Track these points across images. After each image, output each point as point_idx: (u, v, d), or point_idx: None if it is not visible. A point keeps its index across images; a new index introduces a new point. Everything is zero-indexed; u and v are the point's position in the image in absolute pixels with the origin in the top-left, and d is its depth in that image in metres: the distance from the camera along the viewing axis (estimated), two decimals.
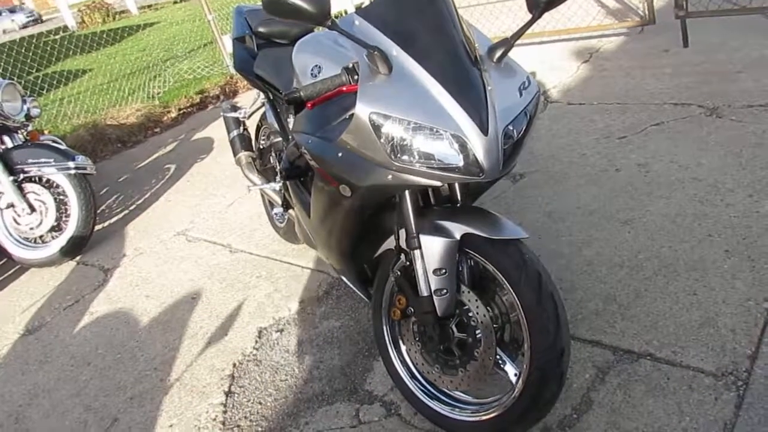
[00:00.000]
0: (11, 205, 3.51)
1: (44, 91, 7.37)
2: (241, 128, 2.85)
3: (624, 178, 2.79)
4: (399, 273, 1.67)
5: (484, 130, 1.35)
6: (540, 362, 1.47)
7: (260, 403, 2.08)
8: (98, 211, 3.90)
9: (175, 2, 23.11)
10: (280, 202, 2.54)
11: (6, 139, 3.60)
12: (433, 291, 1.55)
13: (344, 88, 1.51)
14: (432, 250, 1.52)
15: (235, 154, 2.81)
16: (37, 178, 3.52)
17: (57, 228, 3.52)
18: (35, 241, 3.57)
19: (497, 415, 1.61)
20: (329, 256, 2.01)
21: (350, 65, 1.52)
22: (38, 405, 2.38)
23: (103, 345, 2.65)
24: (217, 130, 5.23)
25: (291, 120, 2.33)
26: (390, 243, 1.70)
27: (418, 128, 1.37)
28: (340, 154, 1.49)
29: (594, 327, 1.99)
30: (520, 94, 1.48)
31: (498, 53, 1.50)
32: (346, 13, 6.13)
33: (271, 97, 2.56)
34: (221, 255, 3.14)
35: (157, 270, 3.18)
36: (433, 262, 1.52)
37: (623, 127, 3.27)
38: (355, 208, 1.64)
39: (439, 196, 1.64)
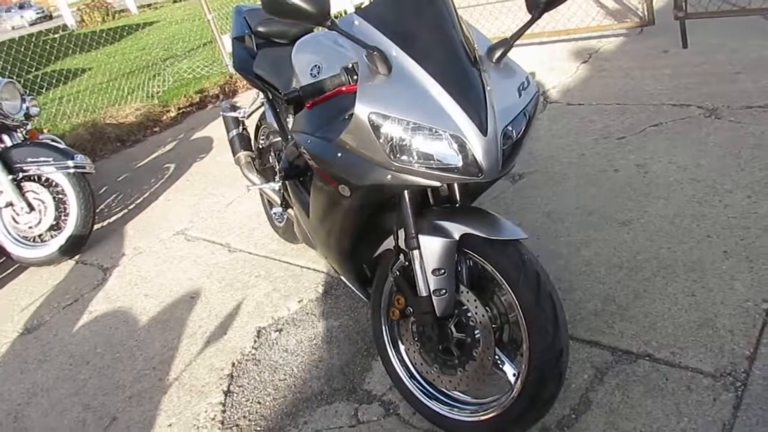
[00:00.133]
0: (10, 204, 3.51)
1: (43, 90, 7.35)
2: (241, 128, 2.85)
3: (623, 179, 2.79)
4: (398, 273, 1.67)
5: (483, 130, 1.35)
6: (539, 362, 1.47)
7: (259, 403, 2.08)
8: (97, 210, 3.90)
9: (175, 1, 23.11)
10: (279, 202, 2.54)
11: (5, 137, 3.60)
12: (432, 291, 1.55)
13: (344, 88, 1.51)
14: (431, 250, 1.52)
15: (234, 154, 2.81)
16: (36, 177, 3.52)
17: (56, 227, 3.52)
18: (34, 240, 3.57)
19: (496, 415, 1.61)
20: (328, 255, 2.01)
21: (350, 65, 1.52)
22: (37, 404, 2.38)
23: (102, 344, 2.65)
24: (216, 130, 5.22)
25: (290, 120, 2.33)
26: (389, 243, 1.70)
27: (418, 128, 1.37)
28: (339, 154, 1.49)
29: (593, 327, 1.99)
30: (520, 95, 1.48)
31: (497, 53, 1.50)
32: (345, 13, 6.12)
33: (271, 97, 2.56)
34: (220, 254, 3.14)
35: (156, 269, 3.18)
36: (432, 262, 1.52)
37: (622, 128, 3.28)
38: (354, 208, 1.65)
39: (438, 196, 1.64)
